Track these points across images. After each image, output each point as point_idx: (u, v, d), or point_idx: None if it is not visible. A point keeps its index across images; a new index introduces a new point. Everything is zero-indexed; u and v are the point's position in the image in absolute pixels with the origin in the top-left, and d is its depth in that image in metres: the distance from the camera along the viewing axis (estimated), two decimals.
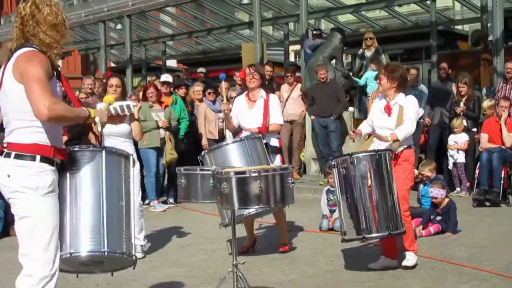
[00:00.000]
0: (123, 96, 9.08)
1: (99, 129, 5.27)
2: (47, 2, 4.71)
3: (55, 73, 4.70)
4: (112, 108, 7.70)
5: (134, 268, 5.17)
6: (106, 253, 4.76)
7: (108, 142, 8.64)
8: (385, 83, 8.01)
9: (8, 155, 4.58)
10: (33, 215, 4.54)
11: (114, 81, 9.06)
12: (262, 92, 9.14)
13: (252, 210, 7.73)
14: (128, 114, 8.66)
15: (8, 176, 4.56)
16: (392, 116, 7.84)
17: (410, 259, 7.79)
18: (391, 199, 7.41)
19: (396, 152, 7.72)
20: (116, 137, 8.80)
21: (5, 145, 4.63)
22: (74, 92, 6.20)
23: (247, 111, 9.12)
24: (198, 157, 7.80)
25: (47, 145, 4.59)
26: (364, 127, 8.36)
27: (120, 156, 5.14)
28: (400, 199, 7.58)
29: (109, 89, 8.93)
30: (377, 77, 14.80)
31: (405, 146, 7.81)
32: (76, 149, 4.89)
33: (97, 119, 4.88)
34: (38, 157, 4.54)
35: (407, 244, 7.81)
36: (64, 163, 4.74)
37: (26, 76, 4.48)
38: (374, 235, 7.47)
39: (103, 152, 4.91)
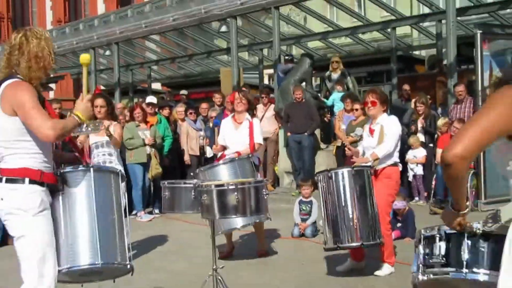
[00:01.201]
0: (109, 115, 9.00)
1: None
2: (37, 35, 4.70)
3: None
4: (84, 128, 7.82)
5: (132, 275, 5.21)
6: (100, 265, 4.77)
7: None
8: (377, 107, 7.91)
9: (0, 180, 4.56)
10: (27, 235, 4.53)
11: (99, 101, 8.98)
12: (248, 116, 9.23)
13: (239, 224, 7.84)
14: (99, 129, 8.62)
15: (2, 199, 4.55)
16: (374, 137, 7.84)
17: (384, 270, 7.75)
18: (369, 212, 7.44)
19: (377, 169, 7.72)
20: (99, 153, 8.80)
21: None
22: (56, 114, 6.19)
23: (233, 132, 9.17)
24: (191, 173, 7.83)
25: (34, 169, 4.56)
26: (361, 148, 8.40)
27: (108, 173, 5.13)
28: (382, 213, 7.60)
29: (95, 110, 8.78)
30: (342, 98, 14.96)
31: (389, 164, 7.76)
32: (66, 170, 4.88)
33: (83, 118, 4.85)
34: (27, 179, 4.52)
35: (384, 256, 7.79)
36: (56, 185, 4.72)
37: (20, 105, 4.46)
38: (347, 245, 7.49)
39: (91, 170, 4.88)
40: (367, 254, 8.06)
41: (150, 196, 13.63)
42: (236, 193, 5.66)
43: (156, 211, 13.39)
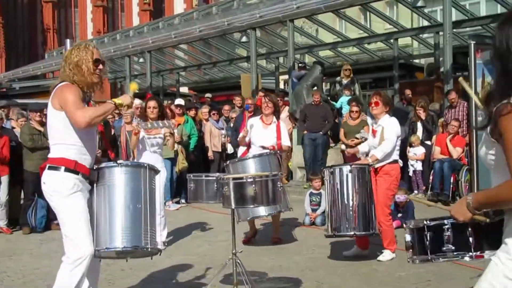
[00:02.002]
0: (161, 115, 9.01)
1: (133, 102, 5.44)
2: (79, 48, 5.00)
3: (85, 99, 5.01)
4: (149, 124, 8.11)
5: (160, 254, 5.37)
6: (130, 247, 4.97)
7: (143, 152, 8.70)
8: (380, 108, 7.91)
9: (46, 167, 4.92)
10: (62, 211, 4.84)
11: (151, 103, 9.00)
12: (274, 118, 9.22)
13: (262, 213, 7.82)
14: (161, 129, 8.66)
15: (44, 183, 4.91)
16: (376, 137, 7.83)
17: (385, 255, 7.72)
18: (366, 205, 7.41)
19: (376, 167, 7.70)
20: (150, 147, 8.81)
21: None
22: None
23: (262, 132, 9.07)
24: (225, 164, 7.84)
25: (70, 159, 4.82)
26: (362, 147, 8.43)
27: (136, 167, 5.25)
28: (382, 206, 7.62)
29: (148, 111, 8.92)
30: (349, 102, 14.93)
31: (388, 161, 7.72)
32: (101, 165, 5.09)
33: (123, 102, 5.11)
34: (63, 168, 4.82)
35: (385, 244, 7.76)
36: (93, 177, 4.97)
37: (64, 102, 4.78)
38: (343, 233, 7.48)
39: (121, 167, 5.06)
40: (372, 242, 8.02)
41: (178, 187, 13.64)
42: (254, 185, 5.63)
43: (183, 201, 13.40)
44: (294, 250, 8.68)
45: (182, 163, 13.40)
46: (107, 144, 5.73)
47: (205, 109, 15.92)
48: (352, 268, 7.48)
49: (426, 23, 22.02)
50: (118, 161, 5.18)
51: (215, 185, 6.11)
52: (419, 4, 18.00)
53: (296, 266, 7.60)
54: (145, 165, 5.29)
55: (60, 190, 4.82)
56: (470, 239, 3.16)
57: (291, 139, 15.76)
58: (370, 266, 7.50)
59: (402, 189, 10.47)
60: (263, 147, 8.75)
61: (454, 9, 18.11)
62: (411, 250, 3.47)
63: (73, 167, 4.82)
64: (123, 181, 5.03)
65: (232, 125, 15.07)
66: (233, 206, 5.68)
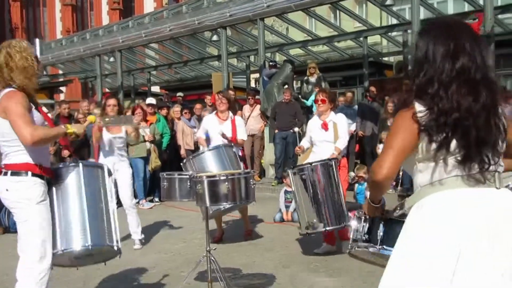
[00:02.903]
0: (119, 113, 9.07)
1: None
2: (17, 49, 4.77)
3: (33, 106, 4.80)
4: (109, 118, 7.96)
5: (120, 257, 5.32)
6: (91, 246, 4.94)
7: (106, 151, 8.74)
8: (326, 105, 8.20)
9: (5, 174, 4.74)
10: (30, 220, 4.69)
11: (111, 101, 9.10)
12: (230, 114, 9.33)
13: (226, 205, 7.84)
14: (121, 127, 8.72)
15: (7, 190, 4.72)
16: (329, 131, 8.02)
17: None
18: (336, 199, 7.49)
19: (339, 159, 7.90)
20: (113, 147, 8.87)
21: (2, 167, 4.81)
22: (50, 117, 6.22)
23: (218, 127, 9.17)
24: (181, 163, 7.83)
25: (33, 163, 4.72)
26: (305, 143, 8.53)
27: (96, 168, 5.33)
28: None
29: (107, 108, 8.97)
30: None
31: (342, 155, 8.03)
32: (60, 166, 5.13)
33: (75, 129, 5.04)
34: (29, 173, 4.70)
35: (345, 235, 7.89)
36: (52, 178, 4.90)
37: (8, 112, 4.60)
38: (315, 230, 7.54)
39: (81, 166, 5.08)
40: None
41: (151, 186, 13.65)
42: (227, 183, 5.69)
43: (156, 199, 13.44)
44: (266, 246, 8.75)
45: (155, 161, 13.45)
46: (67, 142, 5.73)
47: (177, 108, 15.93)
48: (324, 263, 7.58)
49: (395, 21, 22.21)
50: (77, 161, 5.22)
51: (188, 184, 6.15)
52: (388, 2, 18.13)
53: (269, 263, 7.67)
54: (102, 165, 5.41)
55: (29, 197, 4.69)
56: (380, 233, 3.43)
57: (262, 138, 15.94)
58: (342, 261, 7.58)
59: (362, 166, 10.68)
60: (224, 136, 8.86)
61: (422, 8, 18.29)
62: (351, 238, 3.65)
63: (38, 172, 4.73)
64: (82, 181, 5.03)
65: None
66: (207, 204, 5.73)
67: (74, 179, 5.03)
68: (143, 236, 9.11)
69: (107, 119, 8.27)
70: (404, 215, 3.15)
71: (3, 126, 4.67)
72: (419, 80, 3.00)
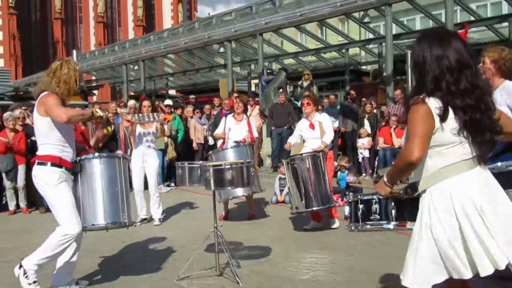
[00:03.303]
0: (153, 112, 9.09)
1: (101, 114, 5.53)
2: (69, 66, 5.07)
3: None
4: (146, 116, 8.21)
5: (135, 226, 5.85)
6: (109, 223, 5.25)
7: (139, 144, 8.86)
8: (311, 107, 8.20)
9: (35, 163, 5.09)
10: (51, 198, 5.00)
11: (146, 103, 9.16)
12: (245, 116, 9.58)
13: (239, 193, 8.09)
14: (153, 124, 8.71)
15: (35, 176, 5.07)
16: (315, 130, 8.01)
17: (336, 223, 7.95)
18: (322, 184, 7.48)
19: (327, 152, 7.88)
20: (144, 140, 8.89)
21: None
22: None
23: (235, 127, 9.36)
24: (208, 153, 7.98)
25: (55, 155, 4.98)
26: (293, 139, 8.53)
27: (112, 158, 5.43)
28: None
29: (143, 108, 9.01)
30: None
31: (329, 148, 7.98)
32: (83, 157, 5.28)
33: (101, 113, 5.33)
34: (49, 163, 4.97)
35: (332, 214, 7.92)
36: (76, 169, 5.16)
37: (46, 105, 4.90)
38: (304, 210, 7.57)
39: (99, 157, 5.29)
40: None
41: (168, 173, 13.62)
42: (231, 171, 5.66)
43: (172, 184, 13.39)
44: (264, 224, 8.74)
45: (171, 153, 13.44)
46: (86, 140, 6.00)
47: (190, 108, 15.89)
48: (312, 238, 7.55)
49: (371, 36, 22.16)
50: (96, 154, 5.38)
51: (199, 171, 6.12)
52: (366, 20, 18.18)
53: (266, 237, 7.64)
54: (119, 155, 5.50)
55: (48, 181, 4.95)
56: (392, 211, 3.39)
57: (261, 133, 15.93)
58: (327, 236, 7.58)
59: (352, 172, 10.59)
60: (236, 141, 8.91)
61: (394, 25, 18.23)
62: (348, 219, 3.62)
63: (58, 162, 4.97)
64: (100, 170, 5.24)
65: (212, 121, 15.07)
66: (212, 188, 5.70)
67: (94, 168, 5.24)
68: (163, 216, 9.10)
69: (138, 116, 8.29)
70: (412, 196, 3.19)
71: (39, 123, 5.03)
72: (429, 81, 3.02)
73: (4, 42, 64.55)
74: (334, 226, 7.99)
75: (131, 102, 9.34)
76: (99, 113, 5.38)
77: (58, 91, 4.98)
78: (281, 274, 5.80)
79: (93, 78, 34.15)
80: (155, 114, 8.38)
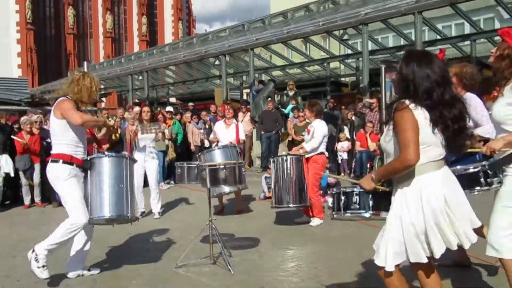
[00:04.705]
0: (152, 117, 9.14)
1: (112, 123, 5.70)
2: (89, 79, 5.21)
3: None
4: (147, 126, 8.41)
5: (138, 221, 5.63)
6: (114, 216, 5.20)
7: (139, 148, 8.79)
8: (307, 113, 8.11)
9: (49, 161, 5.15)
10: (62, 192, 5.08)
11: (146, 108, 9.23)
12: (234, 120, 9.66)
13: (226, 190, 7.87)
14: (152, 130, 8.69)
15: (48, 172, 5.14)
16: (310, 134, 7.88)
17: (315, 222, 7.77)
18: (300, 184, 7.44)
19: (306, 157, 7.73)
20: (145, 143, 8.85)
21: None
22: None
23: (225, 131, 9.46)
24: (197, 154, 7.88)
25: (67, 154, 5.05)
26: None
27: (119, 158, 5.40)
28: (312, 185, 7.64)
29: (143, 114, 9.03)
30: (293, 109, 15.03)
31: (316, 153, 7.71)
32: (93, 156, 5.31)
33: (113, 123, 5.39)
34: (61, 160, 5.03)
35: (315, 212, 7.82)
36: (86, 166, 5.17)
37: (63, 110, 4.99)
38: (281, 206, 7.53)
39: (108, 157, 5.29)
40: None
41: (168, 172, 13.58)
42: (224, 170, 5.65)
43: (172, 182, 13.33)
44: (253, 218, 8.72)
45: (171, 154, 13.42)
46: (97, 141, 6.01)
47: (188, 114, 15.88)
48: (296, 230, 7.55)
49: (350, 51, 22.23)
50: (107, 153, 5.38)
51: (196, 171, 6.11)
52: (345, 37, 18.26)
53: (255, 230, 7.63)
54: (126, 156, 5.48)
55: (59, 176, 5.02)
56: (370, 202, 3.52)
57: (252, 137, 15.94)
58: (309, 229, 7.57)
59: (333, 172, 10.60)
60: (223, 144, 8.89)
61: (370, 42, 18.32)
62: (331, 209, 3.74)
63: (69, 160, 5.02)
64: (109, 168, 5.23)
65: (208, 126, 15.07)
66: (208, 186, 5.69)
67: (103, 166, 5.23)
68: (162, 210, 9.07)
69: (142, 125, 8.34)
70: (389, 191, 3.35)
71: (55, 124, 5.07)
72: (414, 92, 3.10)
73: (22, 54, 64.33)
74: (312, 223, 7.77)
75: (136, 109, 9.32)
76: (111, 122, 5.44)
77: (78, 98, 5.10)
78: (268, 263, 5.80)
79: (102, 86, 33.96)
80: (157, 123, 8.41)
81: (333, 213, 3.71)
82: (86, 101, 5.19)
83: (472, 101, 4.59)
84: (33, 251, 4.98)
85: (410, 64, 3.15)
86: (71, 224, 4.95)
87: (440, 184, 3.09)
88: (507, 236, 3.62)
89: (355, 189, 3.58)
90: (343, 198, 3.62)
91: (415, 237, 3.10)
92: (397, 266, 3.24)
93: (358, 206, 3.58)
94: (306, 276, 5.23)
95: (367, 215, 3.56)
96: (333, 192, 3.72)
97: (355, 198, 3.58)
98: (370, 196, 3.51)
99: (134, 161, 5.46)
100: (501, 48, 3.78)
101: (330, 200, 3.74)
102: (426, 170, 3.10)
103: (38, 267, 4.94)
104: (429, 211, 3.06)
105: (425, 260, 3.14)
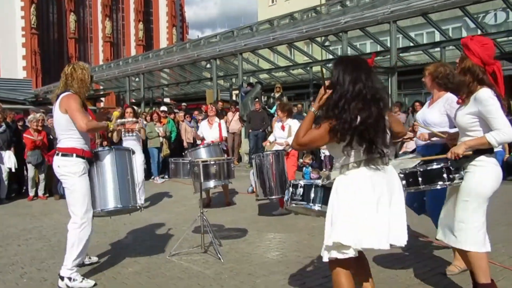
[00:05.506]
0: (134, 117, 8.99)
1: (116, 125, 5.45)
2: (81, 67, 4.80)
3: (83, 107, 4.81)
4: (125, 120, 7.89)
5: (141, 211, 5.36)
6: (119, 207, 4.99)
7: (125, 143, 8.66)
8: (280, 113, 8.28)
9: (57, 154, 4.72)
10: (74, 187, 4.66)
11: (128, 109, 9.15)
12: (217, 119, 9.61)
13: (212, 185, 7.77)
14: (135, 125, 8.66)
15: (58, 166, 4.69)
16: (285, 131, 8.00)
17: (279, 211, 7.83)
18: (282, 177, 7.40)
19: (288, 151, 7.82)
20: (129, 140, 8.77)
21: (56, 149, 4.81)
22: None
23: (208, 130, 9.51)
24: (183, 153, 7.80)
25: (78, 148, 4.69)
26: (271, 138, 8.52)
27: (124, 151, 5.24)
28: (290, 177, 7.64)
29: (126, 114, 8.93)
30: (275, 109, 15.02)
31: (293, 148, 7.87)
32: (99, 149, 5.04)
33: (112, 126, 5.21)
34: (74, 154, 4.66)
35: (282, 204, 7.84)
36: (92, 158, 4.87)
37: (69, 109, 4.57)
38: (264, 197, 7.43)
39: (113, 150, 5.07)
40: None
41: (163, 167, 13.53)
42: (215, 166, 5.63)
43: (166, 177, 13.27)
44: (241, 210, 8.70)
45: (165, 150, 13.37)
46: (105, 137, 5.83)
47: (181, 113, 15.85)
48: (280, 221, 7.55)
49: (331, 56, 22.27)
50: (114, 146, 5.23)
51: (188, 166, 6.08)
52: (326, 44, 18.30)
53: (243, 221, 7.63)
54: (129, 149, 5.31)
55: (74, 171, 4.62)
56: (312, 195, 3.55)
57: (240, 135, 15.91)
58: (293, 219, 7.57)
59: (315, 169, 10.59)
60: (213, 142, 8.90)
61: (349, 47, 18.36)
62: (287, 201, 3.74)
63: (81, 154, 4.68)
64: (114, 160, 5.01)
65: (198, 124, 15.04)
66: (201, 180, 5.67)
67: (109, 159, 4.99)
68: (144, 203, 8.91)
69: (120, 121, 8.23)
70: (330, 184, 3.33)
71: (61, 119, 4.64)
72: (333, 98, 3.09)
73: (27, 57, 63.84)
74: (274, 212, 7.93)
75: (129, 109, 9.26)
76: (113, 126, 5.22)
77: (80, 91, 4.69)
78: (255, 252, 5.79)
79: (101, 87, 33.77)
80: (134, 118, 8.33)
81: (286, 203, 3.72)
82: (85, 91, 4.78)
83: (451, 102, 4.54)
84: (62, 278, 4.63)
85: (337, 68, 3.14)
86: (81, 225, 4.62)
87: (370, 181, 3.12)
88: (466, 229, 3.70)
89: (301, 182, 3.61)
90: (291, 189, 3.64)
91: (347, 224, 3.11)
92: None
93: (301, 198, 3.58)
94: (290, 263, 5.23)
95: (316, 208, 3.54)
96: (293, 183, 3.70)
97: (299, 190, 3.59)
98: (313, 188, 3.52)
99: (133, 152, 5.37)
100: (463, 62, 3.74)
101: (290, 190, 3.72)
102: (358, 166, 3.15)
103: (81, 282, 4.63)
104: (361, 204, 3.12)
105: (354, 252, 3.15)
